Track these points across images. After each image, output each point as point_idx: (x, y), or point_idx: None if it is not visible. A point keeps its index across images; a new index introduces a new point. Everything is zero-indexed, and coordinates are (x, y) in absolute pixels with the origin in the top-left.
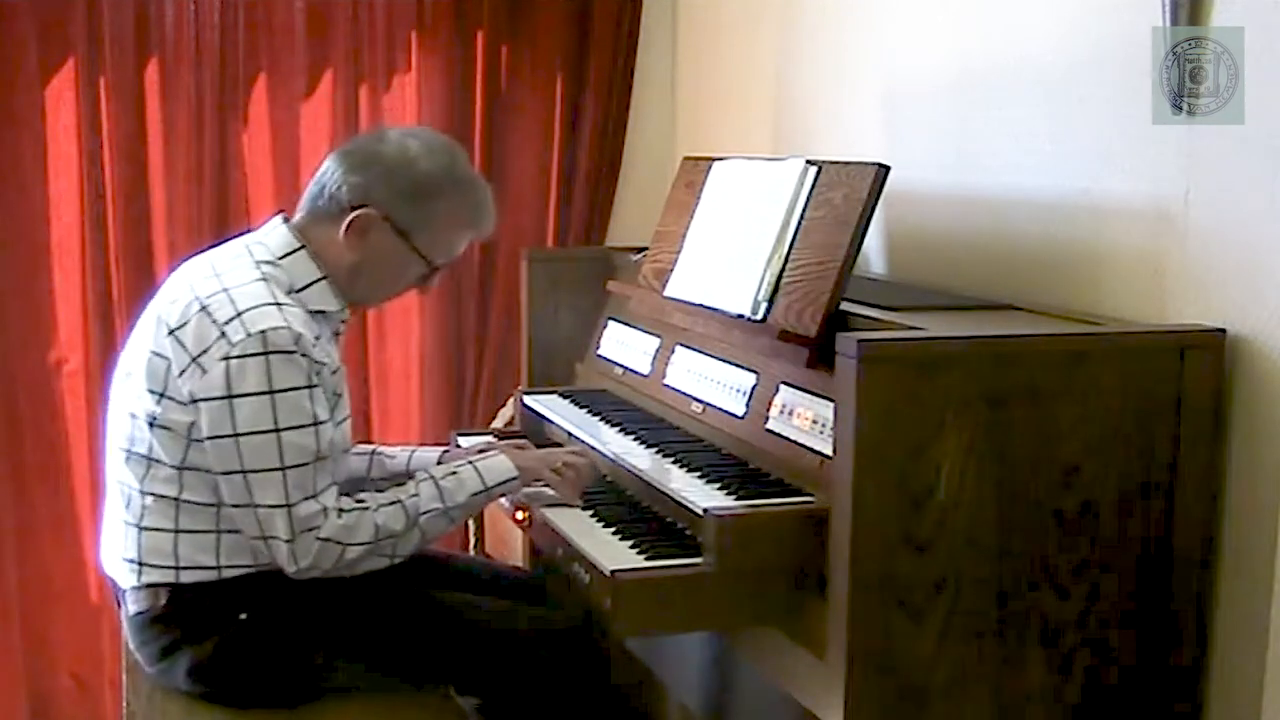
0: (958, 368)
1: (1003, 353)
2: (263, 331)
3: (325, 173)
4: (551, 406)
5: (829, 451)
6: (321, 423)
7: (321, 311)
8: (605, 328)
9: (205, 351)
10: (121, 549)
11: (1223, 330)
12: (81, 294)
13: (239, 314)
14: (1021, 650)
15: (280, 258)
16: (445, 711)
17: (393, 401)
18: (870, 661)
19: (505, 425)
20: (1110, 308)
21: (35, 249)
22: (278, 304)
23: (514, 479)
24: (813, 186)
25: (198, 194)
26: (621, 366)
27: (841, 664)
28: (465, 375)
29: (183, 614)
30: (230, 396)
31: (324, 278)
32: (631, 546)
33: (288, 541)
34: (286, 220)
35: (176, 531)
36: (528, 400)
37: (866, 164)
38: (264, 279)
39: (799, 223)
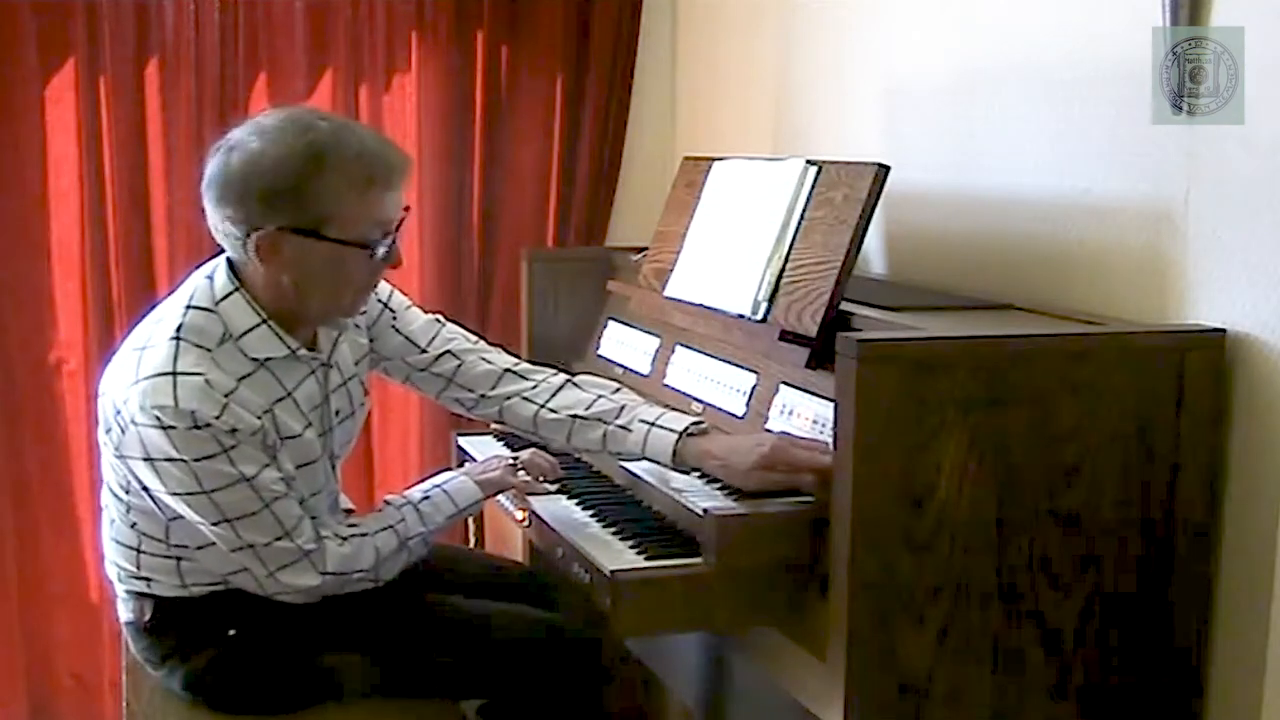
0: (958, 368)
1: (1003, 352)
2: (155, 407)
3: (210, 218)
4: None
5: None
6: (253, 477)
7: (271, 358)
8: (605, 328)
9: (119, 410)
10: (108, 554)
11: (1223, 330)
12: (81, 294)
13: (137, 380)
14: (1022, 649)
15: (219, 300)
16: (446, 715)
17: (392, 401)
18: (870, 662)
19: None
20: (1110, 308)
21: (35, 249)
22: (174, 374)
23: (481, 499)
24: (813, 186)
25: (198, 194)
26: (621, 366)
27: (841, 664)
28: None
29: (170, 627)
30: (150, 459)
31: (263, 321)
32: (631, 546)
33: (268, 575)
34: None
35: (139, 551)
36: None
37: (866, 164)
38: (176, 338)
39: (799, 223)
